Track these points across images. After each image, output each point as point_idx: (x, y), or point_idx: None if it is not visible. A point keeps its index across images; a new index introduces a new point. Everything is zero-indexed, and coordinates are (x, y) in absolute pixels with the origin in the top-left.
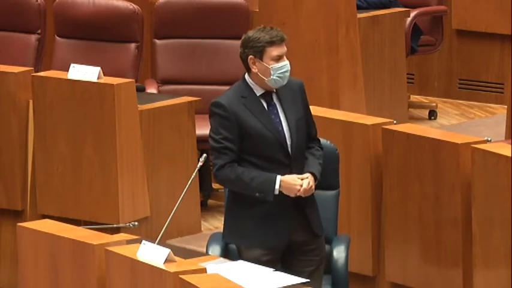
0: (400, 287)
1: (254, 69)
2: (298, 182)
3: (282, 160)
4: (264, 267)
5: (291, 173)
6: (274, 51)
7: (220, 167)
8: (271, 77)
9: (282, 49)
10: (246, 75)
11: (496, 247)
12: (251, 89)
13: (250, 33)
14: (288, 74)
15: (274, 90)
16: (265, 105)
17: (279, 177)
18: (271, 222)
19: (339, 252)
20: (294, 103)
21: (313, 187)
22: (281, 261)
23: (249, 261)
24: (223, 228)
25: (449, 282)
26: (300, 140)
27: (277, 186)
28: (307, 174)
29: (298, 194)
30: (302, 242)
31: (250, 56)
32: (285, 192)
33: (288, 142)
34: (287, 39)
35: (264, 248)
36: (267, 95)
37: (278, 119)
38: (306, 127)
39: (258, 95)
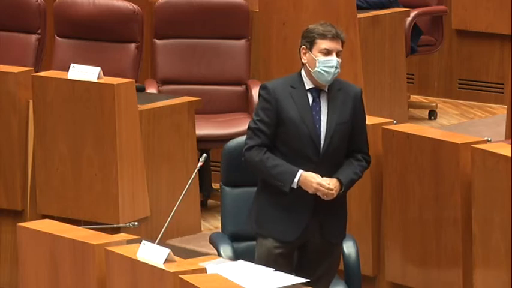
0: (400, 287)
1: (304, 60)
2: (316, 180)
3: (310, 157)
4: (263, 267)
5: (315, 171)
6: (324, 44)
7: (249, 147)
8: (316, 68)
9: (332, 45)
10: (302, 68)
11: (496, 247)
12: (302, 82)
13: (310, 25)
14: (333, 70)
15: (326, 90)
16: (310, 99)
17: (300, 171)
18: (287, 216)
19: (348, 248)
20: (343, 107)
21: (334, 192)
22: (298, 260)
23: (262, 251)
24: (249, 213)
25: (449, 282)
26: (335, 143)
27: (296, 180)
28: (332, 179)
29: (315, 192)
30: (315, 244)
31: (303, 46)
32: (303, 187)
33: (322, 141)
34: (343, 40)
35: (276, 239)
36: (315, 90)
37: (318, 116)
38: (350, 134)
39: (306, 88)
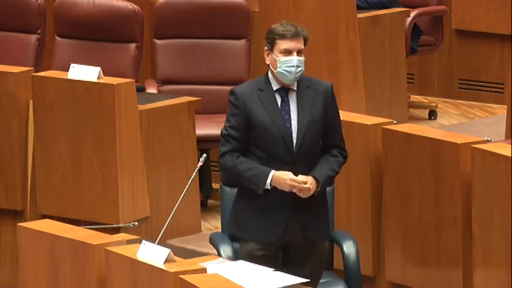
0: (400, 287)
1: (267, 61)
2: (289, 176)
3: (283, 157)
4: (263, 267)
5: (291, 172)
6: (283, 44)
7: (223, 154)
8: (278, 69)
9: (292, 44)
10: (269, 70)
11: (496, 247)
12: (269, 83)
13: (272, 25)
14: (295, 69)
15: (295, 88)
16: (279, 100)
17: (272, 172)
18: (266, 217)
19: (348, 248)
20: (313, 104)
21: (310, 187)
22: (282, 262)
23: (244, 254)
24: (229, 218)
25: (449, 282)
26: (308, 141)
27: (268, 181)
28: (308, 177)
29: (291, 189)
30: (297, 244)
31: (265, 48)
32: (278, 186)
33: (294, 140)
34: (306, 37)
35: (257, 242)
36: (283, 90)
37: (288, 116)
38: (324, 131)
39: (274, 89)
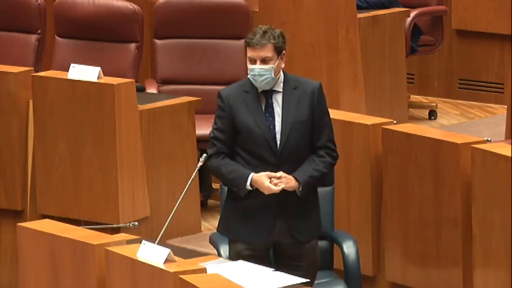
0: (400, 287)
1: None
2: (266, 184)
3: (268, 159)
4: (263, 267)
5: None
6: (249, 52)
7: (209, 156)
8: (248, 76)
9: (255, 53)
10: None
11: (496, 247)
12: (254, 85)
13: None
14: (258, 78)
15: (280, 90)
16: (263, 102)
17: (251, 175)
18: (253, 218)
19: (348, 248)
20: (299, 105)
21: (285, 185)
22: (275, 263)
23: (233, 254)
24: (219, 219)
25: (449, 282)
26: (293, 142)
27: (248, 183)
28: (287, 175)
29: (269, 193)
30: (286, 245)
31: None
32: (259, 189)
33: (278, 142)
34: (276, 44)
35: (244, 242)
36: (268, 92)
37: (272, 118)
38: (310, 131)
39: (259, 91)
